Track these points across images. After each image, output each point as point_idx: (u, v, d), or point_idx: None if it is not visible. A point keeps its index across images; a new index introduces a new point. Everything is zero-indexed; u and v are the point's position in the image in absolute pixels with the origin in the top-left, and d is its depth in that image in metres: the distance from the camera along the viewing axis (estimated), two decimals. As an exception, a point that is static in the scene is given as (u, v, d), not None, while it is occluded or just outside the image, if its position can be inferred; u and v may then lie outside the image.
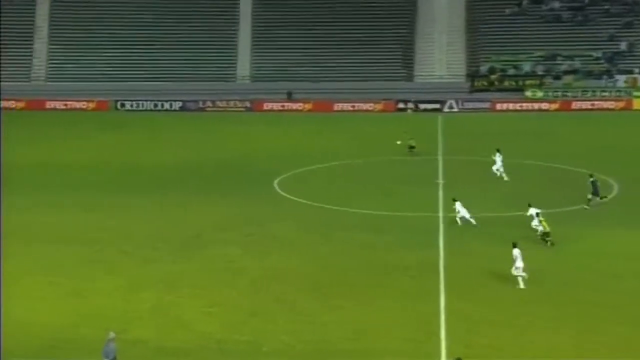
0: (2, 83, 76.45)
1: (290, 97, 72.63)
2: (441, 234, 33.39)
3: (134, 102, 73.33)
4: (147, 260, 30.15)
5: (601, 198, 36.64)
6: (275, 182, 43.12)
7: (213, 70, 78.33)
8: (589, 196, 36.33)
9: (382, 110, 70.76)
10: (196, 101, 73.03)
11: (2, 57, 78.35)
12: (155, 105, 73.11)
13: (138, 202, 38.69)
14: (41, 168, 46.83)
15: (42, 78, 79.46)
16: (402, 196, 39.68)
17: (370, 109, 71.16)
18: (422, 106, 70.61)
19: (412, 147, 48.22)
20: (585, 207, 36.21)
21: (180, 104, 73.31)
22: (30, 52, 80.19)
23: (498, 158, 42.03)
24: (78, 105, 73.29)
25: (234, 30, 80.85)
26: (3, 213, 34.84)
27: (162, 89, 74.60)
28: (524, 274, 27.30)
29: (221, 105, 72.78)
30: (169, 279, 28.16)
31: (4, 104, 72.95)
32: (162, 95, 73.57)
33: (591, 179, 36.73)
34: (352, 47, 77.58)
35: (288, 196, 40.28)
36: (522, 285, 27.24)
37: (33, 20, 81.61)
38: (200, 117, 68.98)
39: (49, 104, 73.24)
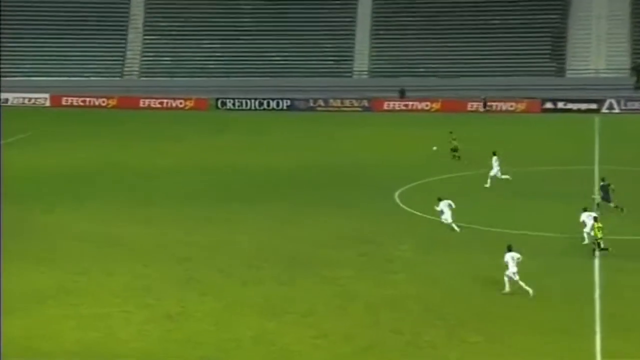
0: (92, 78, 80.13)
1: (403, 95, 72.40)
2: (597, 258, 32.39)
3: (236, 101, 75.08)
4: (247, 281, 30.70)
5: (615, 207, 37.79)
6: (397, 193, 43.05)
7: (326, 64, 79.16)
8: (599, 202, 38.36)
9: (525, 111, 69.48)
10: (306, 99, 73.97)
11: (90, 49, 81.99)
12: (260, 104, 74.58)
13: (238, 214, 39.49)
14: (130, 174, 48.59)
15: (136, 73, 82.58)
16: (547, 213, 38.75)
17: (511, 109, 70.01)
18: (575, 106, 68.91)
19: (455, 150, 49.59)
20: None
21: (288, 102, 74.45)
22: (124, 43, 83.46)
23: (495, 163, 44.06)
24: (174, 104, 75.76)
25: (350, 18, 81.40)
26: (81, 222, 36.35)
27: (267, 86, 76.06)
28: (517, 279, 28.65)
29: (335, 104, 73.42)
30: (272, 303, 28.54)
31: (94, 101, 76.34)
32: (267, 92, 74.97)
33: (602, 183, 38.83)
34: (489, 37, 76.68)
35: (411, 210, 40.10)
36: (530, 292, 28.51)
37: (128, 8, 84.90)
38: (310, 118, 69.78)
39: (143, 102, 76.05)
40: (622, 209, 37.92)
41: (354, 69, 79.63)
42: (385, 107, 72.70)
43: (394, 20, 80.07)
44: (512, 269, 28.68)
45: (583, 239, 33.60)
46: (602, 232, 32.42)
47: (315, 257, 33.37)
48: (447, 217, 35.74)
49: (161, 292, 29.41)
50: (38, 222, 37.98)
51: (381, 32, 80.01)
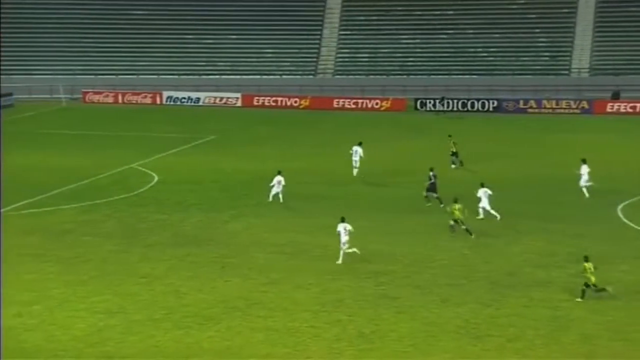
0: (286, 77, 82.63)
1: (617, 97, 69.72)
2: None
3: (437, 101, 75.07)
4: (447, 299, 30.63)
5: (437, 198, 41.54)
6: (619, 207, 41.79)
7: (540, 61, 77.73)
8: (424, 193, 42.34)
9: None
10: (516, 100, 72.98)
11: (284, 46, 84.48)
12: (463, 105, 74.26)
13: (442, 228, 39.46)
14: (320, 180, 49.66)
15: (330, 71, 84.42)
16: None
17: None
18: None
19: (454, 154, 51.45)
20: (428, 204, 42.15)
21: (495, 103, 73.72)
22: (318, 39, 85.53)
23: (355, 153, 48.74)
24: (370, 104, 76.80)
25: (570, 8, 79.53)
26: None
27: (472, 85, 75.66)
28: (349, 249, 33.40)
29: (549, 105, 72.01)
30: (474, 325, 28.34)
31: (286, 101, 78.65)
32: (472, 92, 74.59)
33: (430, 173, 42.37)
34: None
35: (635, 227, 38.78)
36: (340, 261, 33.52)
37: (324, 2, 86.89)
38: (519, 121, 68.70)
39: (337, 103, 77.60)
40: (441, 202, 41.10)
41: (572, 66, 77.72)
42: (608, 109, 70.43)
43: (621, 10, 77.42)
44: (343, 239, 33.24)
45: (478, 213, 39.10)
46: (462, 213, 36.99)
47: (524, 276, 32.85)
48: (276, 189, 43.02)
49: (353, 308, 29.86)
50: (225, 229, 39.57)
51: (606, 23, 77.57)
